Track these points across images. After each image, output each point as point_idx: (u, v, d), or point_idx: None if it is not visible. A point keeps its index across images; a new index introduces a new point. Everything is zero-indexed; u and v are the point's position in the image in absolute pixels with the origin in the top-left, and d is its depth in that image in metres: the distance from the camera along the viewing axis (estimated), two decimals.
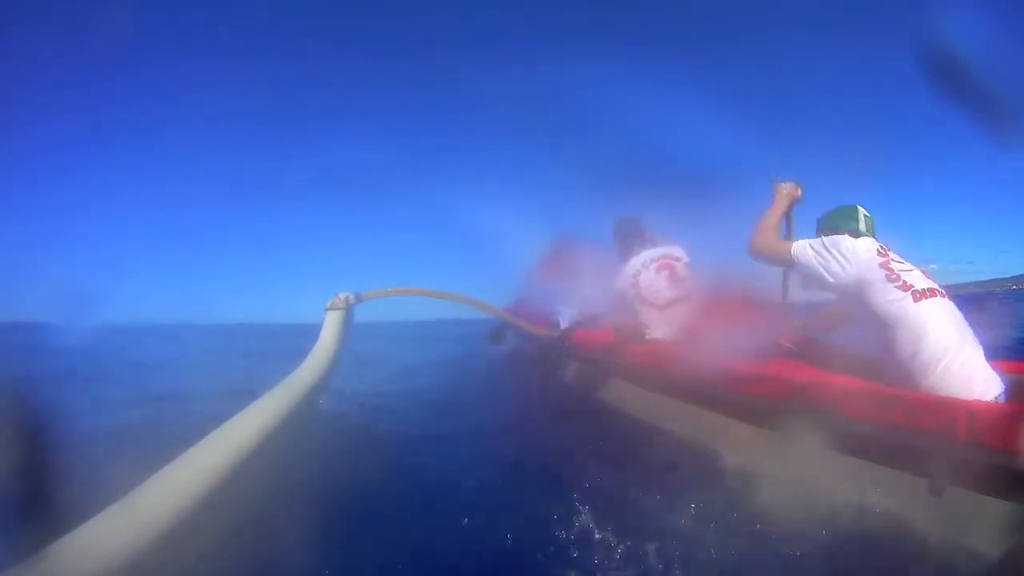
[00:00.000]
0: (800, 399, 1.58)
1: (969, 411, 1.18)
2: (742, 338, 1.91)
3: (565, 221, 3.96)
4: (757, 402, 1.76)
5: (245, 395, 2.12)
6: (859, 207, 1.91)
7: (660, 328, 2.66)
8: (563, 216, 3.96)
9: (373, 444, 2.49)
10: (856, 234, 1.80)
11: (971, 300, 1.66)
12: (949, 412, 1.21)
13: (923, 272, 1.70)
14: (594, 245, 3.47)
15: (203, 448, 1.57)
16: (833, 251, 1.74)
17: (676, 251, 2.83)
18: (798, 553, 1.26)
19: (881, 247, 1.73)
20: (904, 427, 1.29)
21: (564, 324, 3.64)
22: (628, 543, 1.42)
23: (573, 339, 3.40)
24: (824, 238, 1.79)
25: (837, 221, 1.91)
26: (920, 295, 1.58)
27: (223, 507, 1.43)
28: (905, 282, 1.61)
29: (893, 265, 1.65)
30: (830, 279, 1.72)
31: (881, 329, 1.60)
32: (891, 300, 1.59)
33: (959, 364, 1.44)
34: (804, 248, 1.80)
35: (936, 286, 1.64)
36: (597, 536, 1.47)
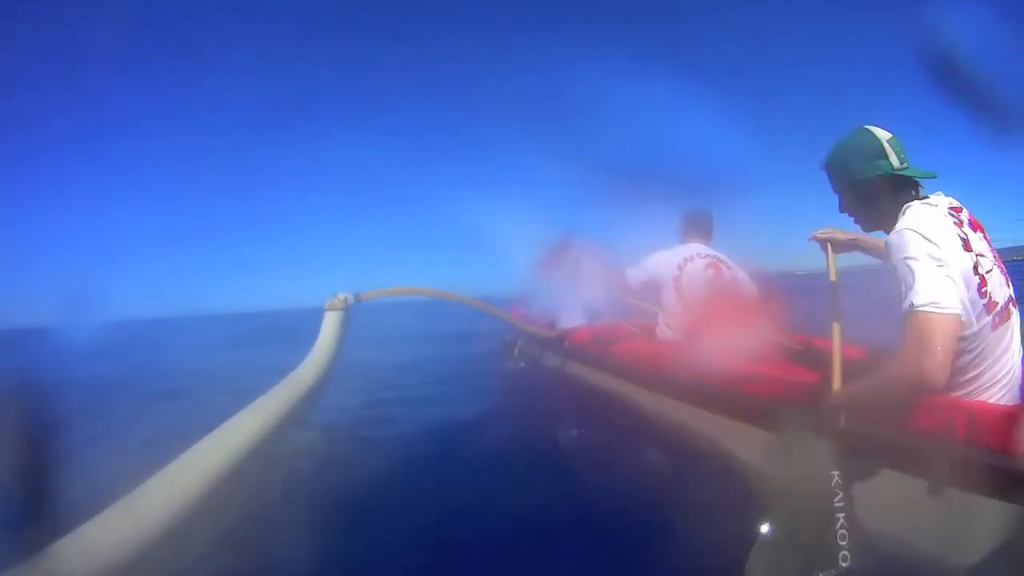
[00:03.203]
0: (800, 399, 1.58)
1: (968, 411, 1.18)
2: (746, 339, 1.90)
3: (566, 218, 3.97)
4: (757, 402, 1.75)
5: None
6: (872, 130, 1.29)
7: (674, 324, 2.61)
8: (564, 213, 3.96)
9: (372, 443, 2.49)
10: (903, 190, 1.23)
11: None
12: (948, 412, 1.21)
13: (996, 260, 1.22)
14: (595, 243, 3.47)
15: (203, 448, 1.57)
16: (925, 254, 1.11)
17: (726, 259, 2.71)
18: None
19: (956, 223, 1.16)
20: (905, 429, 1.28)
21: (565, 323, 3.64)
22: (628, 542, 1.42)
23: (573, 338, 3.40)
24: (905, 257, 1.13)
25: (858, 167, 1.30)
26: (1000, 318, 1.17)
27: (223, 507, 1.43)
28: (991, 299, 1.14)
29: (981, 264, 1.14)
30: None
31: None
32: (971, 321, 1.13)
33: (1006, 387, 1.24)
34: (927, 289, 1.08)
35: (1011, 290, 1.23)
36: (596, 535, 1.47)
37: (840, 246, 1.64)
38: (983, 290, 1.14)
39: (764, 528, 1.27)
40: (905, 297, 1.13)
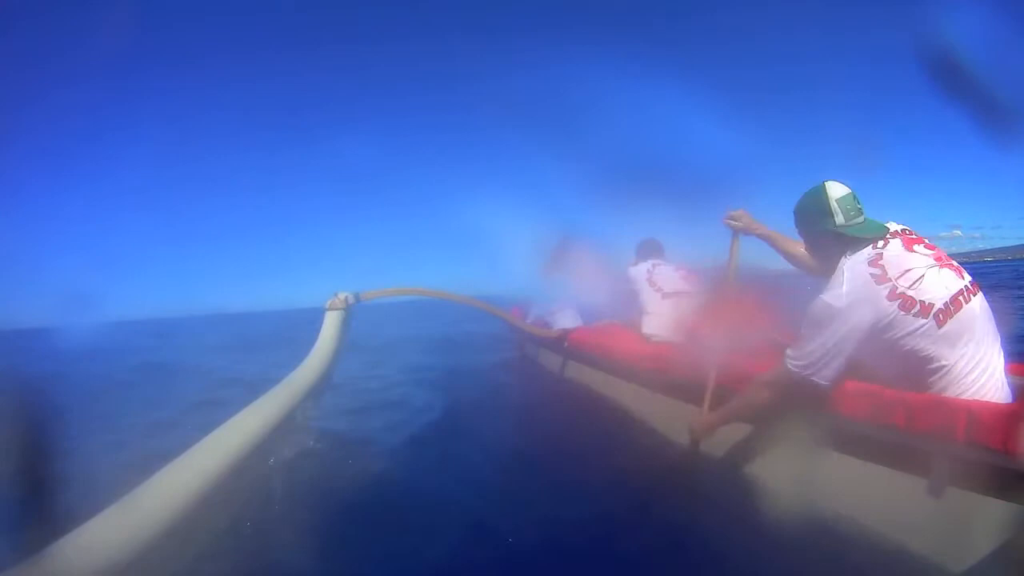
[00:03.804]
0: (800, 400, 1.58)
1: (969, 411, 1.18)
2: (740, 336, 1.90)
3: (565, 219, 3.97)
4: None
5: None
6: (827, 185, 1.49)
7: (658, 316, 2.76)
8: (563, 214, 3.97)
9: (372, 443, 2.49)
10: (840, 241, 1.43)
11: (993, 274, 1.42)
12: (949, 412, 1.21)
13: (936, 258, 1.35)
14: (594, 243, 3.47)
15: (203, 448, 1.57)
16: (826, 332, 1.35)
17: (688, 268, 2.99)
18: (798, 554, 1.26)
19: (873, 260, 1.35)
20: (904, 427, 1.29)
21: (563, 324, 3.64)
22: (627, 542, 1.42)
23: (572, 339, 3.41)
24: (808, 321, 1.39)
25: (808, 222, 1.53)
26: (944, 314, 1.27)
27: (223, 507, 1.43)
28: (923, 303, 1.28)
29: (900, 284, 1.30)
30: (855, 356, 1.36)
31: (900, 361, 1.33)
32: (913, 331, 1.29)
33: (978, 385, 1.28)
34: (810, 357, 1.38)
35: (963, 281, 1.33)
36: (595, 535, 1.47)
37: (747, 230, 1.88)
38: (906, 303, 1.29)
39: (761, 524, 1.28)
40: (796, 344, 1.42)
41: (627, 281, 3.00)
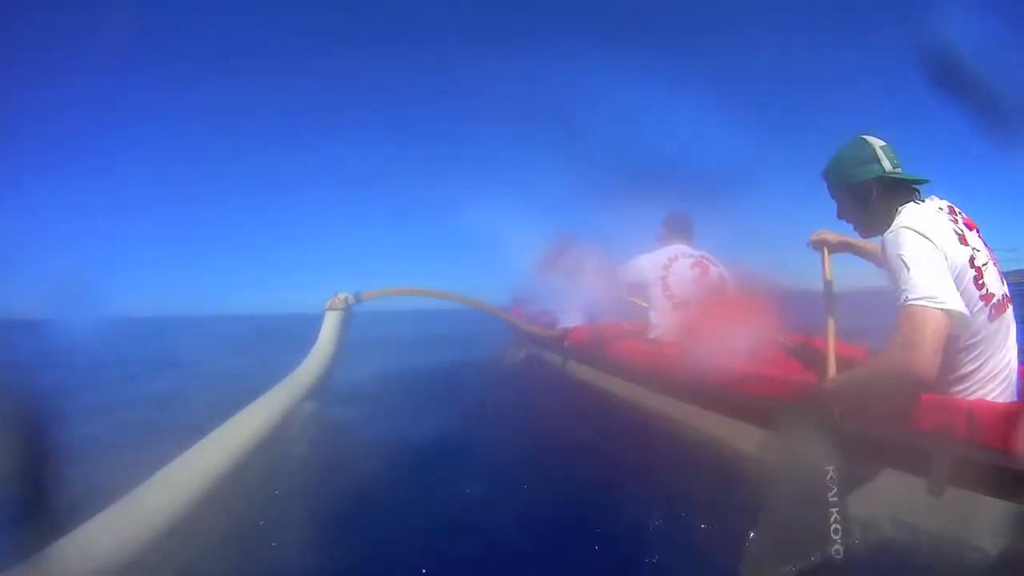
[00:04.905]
0: (798, 397, 1.58)
1: (969, 411, 1.18)
2: (742, 337, 1.89)
3: (566, 219, 3.96)
4: (755, 402, 1.75)
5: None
6: (866, 138, 1.36)
7: (666, 324, 2.63)
8: (564, 214, 3.96)
9: (373, 442, 2.49)
10: (892, 190, 1.26)
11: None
12: (949, 412, 1.21)
13: (991, 256, 1.25)
14: (594, 243, 3.47)
15: (203, 448, 1.57)
16: (928, 256, 1.12)
17: (711, 257, 2.77)
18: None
19: (949, 217, 1.20)
20: (903, 427, 1.28)
21: (565, 324, 3.64)
22: (626, 543, 1.42)
23: (573, 338, 3.40)
24: (900, 253, 1.15)
25: (852, 171, 1.34)
26: (997, 309, 1.19)
27: (223, 507, 1.43)
28: (987, 291, 1.17)
29: (977, 258, 1.17)
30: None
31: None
32: (975, 313, 1.16)
33: (1002, 388, 1.24)
34: (927, 286, 1.10)
35: (1006, 288, 1.25)
36: (594, 535, 1.47)
37: (833, 247, 1.72)
38: (979, 282, 1.17)
39: (760, 523, 1.28)
40: (899, 291, 1.14)
41: (638, 270, 2.74)
